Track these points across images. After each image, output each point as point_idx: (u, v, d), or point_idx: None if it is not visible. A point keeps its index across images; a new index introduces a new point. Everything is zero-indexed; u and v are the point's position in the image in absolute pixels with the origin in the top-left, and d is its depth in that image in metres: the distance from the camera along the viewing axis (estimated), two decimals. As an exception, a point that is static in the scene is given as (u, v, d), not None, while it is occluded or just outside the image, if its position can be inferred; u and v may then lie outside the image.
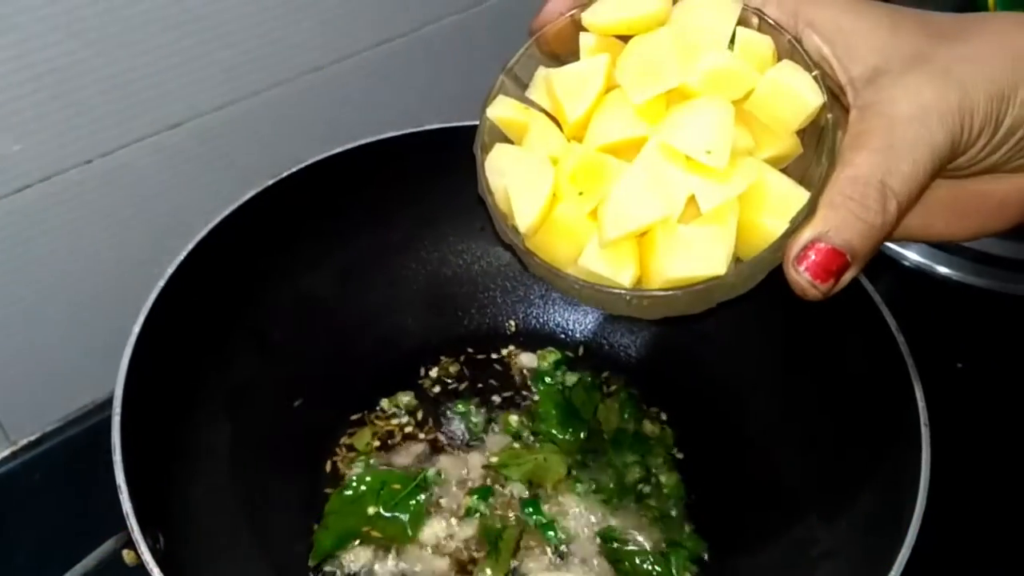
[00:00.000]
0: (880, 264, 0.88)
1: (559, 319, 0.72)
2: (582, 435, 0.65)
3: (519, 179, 0.43)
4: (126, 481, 0.46)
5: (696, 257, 0.39)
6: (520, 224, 0.42)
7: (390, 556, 0.59)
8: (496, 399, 0.68)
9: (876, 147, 0.38)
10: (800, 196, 0.40)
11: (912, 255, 0.89)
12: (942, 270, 0.87)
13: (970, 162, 0.41)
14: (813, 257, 0.38)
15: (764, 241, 0.40)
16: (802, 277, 0.38)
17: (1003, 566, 0.67)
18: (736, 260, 0.41)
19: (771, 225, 0.40)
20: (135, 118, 0.67)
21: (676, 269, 0.40)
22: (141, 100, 0.67)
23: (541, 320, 0.72)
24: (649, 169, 0.40)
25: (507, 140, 0.45)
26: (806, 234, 0.38)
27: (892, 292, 0.88)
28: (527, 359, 0.70)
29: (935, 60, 0.39)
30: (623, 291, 0.41)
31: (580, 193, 0.41)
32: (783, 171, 0.42)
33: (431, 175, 0.67)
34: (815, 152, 0.42)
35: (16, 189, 0.65)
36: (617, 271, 0.41)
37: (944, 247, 0.88)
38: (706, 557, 0.60)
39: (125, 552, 0.47)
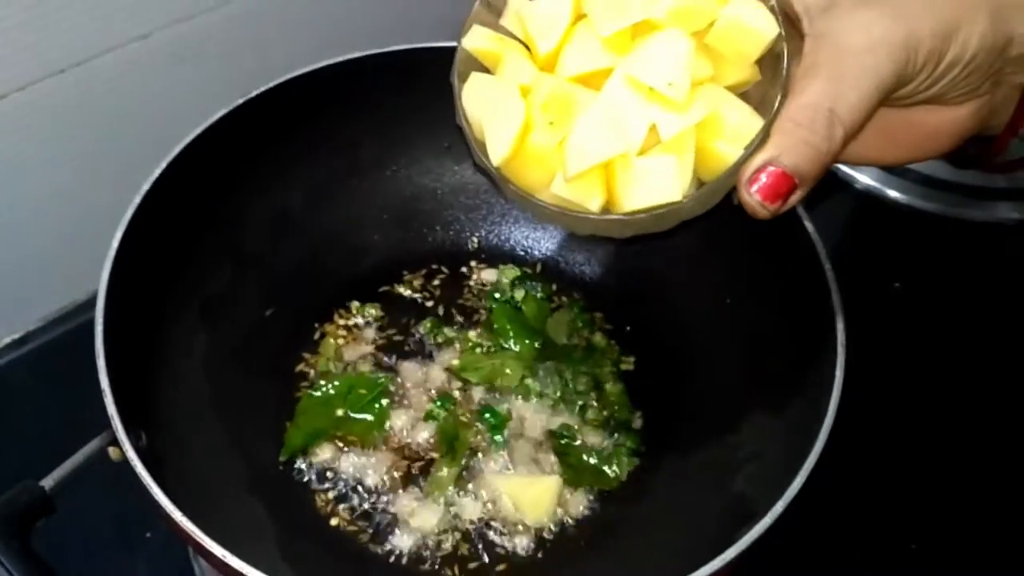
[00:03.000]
0: (832, 186, 0.91)
1: (519, 237, 0.75)
2: (536, 345, 0.68)
3: (492, 114, 0.45)
4: (110, 385, 0.50)
5: (654, 186, 0.43)
6: (493, 158, 0.45)
7: (353, 453, 0.63)
8: (457, 312, 0.71)
9: (826, 76, 0.41)
10: (755, 124, 0.43)
11: (863, 178, 0.91)
12: (892, 194, 0.90)
13: (912, 93, 0.44)
14: (764, 180, 0.41)
15: (721, 166, 0.43)
16: (753, 199, 0.42)
17: (908, 475, 0.72)
18: (697, 182, 0.44)
19: (727, 151, 0.43)
20: (105, 29, 0.68)
21: (635, 200, 0.43)
22: (110, 12, 0.68)
23: (502, 238, 0.75)
24: (611, 103, 0.43)
25: (482, 68, 0.47)
26: (758, 159, 0.42)
27: (842, 213, 0.92)
28: (488, 275, 0.73)
29: None
30: (591, 215, 0.44)
31: (551, 123, 0.44)
32: (743, 95, 0.45)
33: (398, 95, 0.69)
34: (772, 77, 0.44)
35: (-9, 99, 0.66)
36: (586, 198, 0.44)
37: (894, 171, 0.91)
38: (644, 455, 0.64)
39: (111, 449, 0.51)
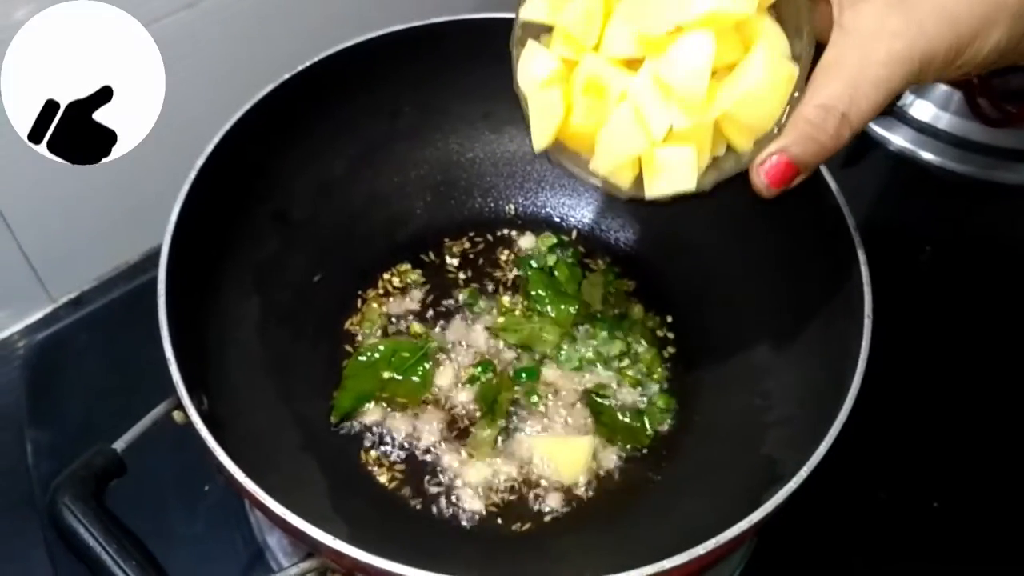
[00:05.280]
0: (865, 147, 0.92)
1: (555, 204, 0.77)
2: (572, 310, 0.71)
3: (535, 104, 0.50)
4: (174, 354, 0.53)
5: (672, 176, 0.48)
6: (535, 148, 0.51)
7: (399, 414, 0.66)
8: (495, 279, 0.74)
9: (844, 81, 0.45)
10: (772, 117, 0.47)
11: (897, 140, 0.91)
12: (926, 155, 0.90)
13: (917, 86, 0.47)
14: (774, 161, 0.47)
15: (736, 153, 0.49)
16: (761, 180, 0.47)
17: (935, 448, 0.73)
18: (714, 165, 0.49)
19: (741, 144, 0.49)
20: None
21: (656, 188, 0.49)
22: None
23: (538, 205, 0.77)
24: (637, 98, 0.47)
25: (539, 32, 0.52)
26: (772, 147, 0.47)
27: (875, 175, 0.93)
28: (526, 242, 0.75)
29: (915, 6, 0.44)
30: (623, 193, 0.51)
31: (588, 108, 0.49)
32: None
33: (436, 66, 0.71)
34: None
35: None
36: (619, 179, 0.50)
37: (928, 133, 0.91)
38: (675, 416, 0.67)
39: (175, 413, 0.54)
